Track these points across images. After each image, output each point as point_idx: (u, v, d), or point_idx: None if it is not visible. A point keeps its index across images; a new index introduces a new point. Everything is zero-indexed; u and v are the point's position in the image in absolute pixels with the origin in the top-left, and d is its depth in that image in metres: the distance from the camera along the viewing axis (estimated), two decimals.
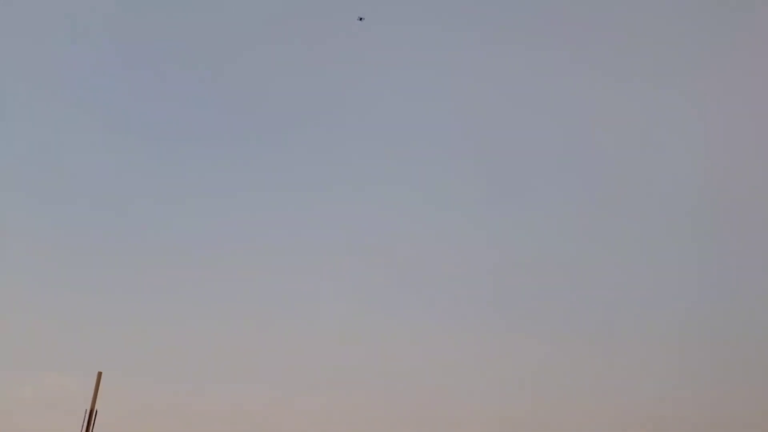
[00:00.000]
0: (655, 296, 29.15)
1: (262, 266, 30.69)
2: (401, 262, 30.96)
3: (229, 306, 29.01)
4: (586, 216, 32.12)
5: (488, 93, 35.33)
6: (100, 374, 15.16)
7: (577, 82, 34.96)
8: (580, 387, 26.36)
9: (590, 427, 24.58)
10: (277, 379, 26.56)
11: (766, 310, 27.27)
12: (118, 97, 35.18)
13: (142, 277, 29.73)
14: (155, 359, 26.52)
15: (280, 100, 35.90)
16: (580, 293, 29.68)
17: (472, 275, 30.38)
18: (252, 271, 30.41)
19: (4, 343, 26.06)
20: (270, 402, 25.80)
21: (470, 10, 35.81)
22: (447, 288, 30.07)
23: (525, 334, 28.17)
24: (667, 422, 24.57)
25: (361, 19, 31.33)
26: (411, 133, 35.36)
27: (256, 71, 36.29)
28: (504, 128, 34.95)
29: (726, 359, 26.68)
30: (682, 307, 28.58)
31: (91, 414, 14.83)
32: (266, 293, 29.70)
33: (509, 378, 26.74)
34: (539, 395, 26.20)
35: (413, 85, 36.31)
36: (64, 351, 26.16)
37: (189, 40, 36.30)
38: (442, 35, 35.95)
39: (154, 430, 23.16)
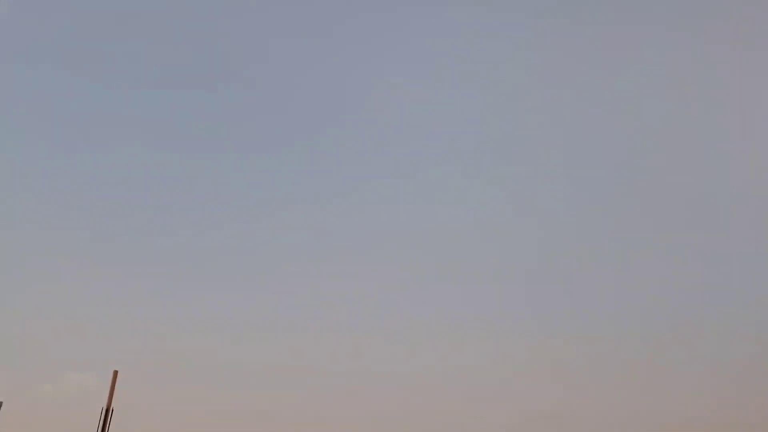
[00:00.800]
0: (688, 298, 28.70)
1: (283, 266, 30.65)
2: (430, 261, 30.61)
3: (247, 307, 29.04)
4: (622, 217, 31.55)
5: (518, 89, 34.24)
6: (116, 373, 15.28)
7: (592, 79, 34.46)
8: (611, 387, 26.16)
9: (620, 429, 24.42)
10: (295, 381, 26.50)
11: None
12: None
13: (159, 276, 29.92)
14: (171, 358, 26.69)
15: (303, 99, 35.37)
16: (615, 295, 29.38)
17: (502, 276, 30.05)
18: (272, 271, 30.40)
19: (24, 343, 26.42)
20: (288, 403, 25.82)
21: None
22: (477, 289, 29.74)
23: (557, 334, 27.99)
24: (694, 423, 24.31)
25: None
26: (438, 132, 34.54)
27: (276, 70, 35.93)
28: (532, 126, 34.27)
29: (747, 360, 26.43)
30: (715, 307, 28.23)
31: (108, 412, 14.96)
32: (286, 294, 29.60)
33: (540, 379, 26.64)
34: (569, 395, 25.98)
35: (437, 78, 35.30)
36: (81, 350, 26.45)
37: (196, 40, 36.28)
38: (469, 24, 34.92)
39: (169, 428, 23.31)
